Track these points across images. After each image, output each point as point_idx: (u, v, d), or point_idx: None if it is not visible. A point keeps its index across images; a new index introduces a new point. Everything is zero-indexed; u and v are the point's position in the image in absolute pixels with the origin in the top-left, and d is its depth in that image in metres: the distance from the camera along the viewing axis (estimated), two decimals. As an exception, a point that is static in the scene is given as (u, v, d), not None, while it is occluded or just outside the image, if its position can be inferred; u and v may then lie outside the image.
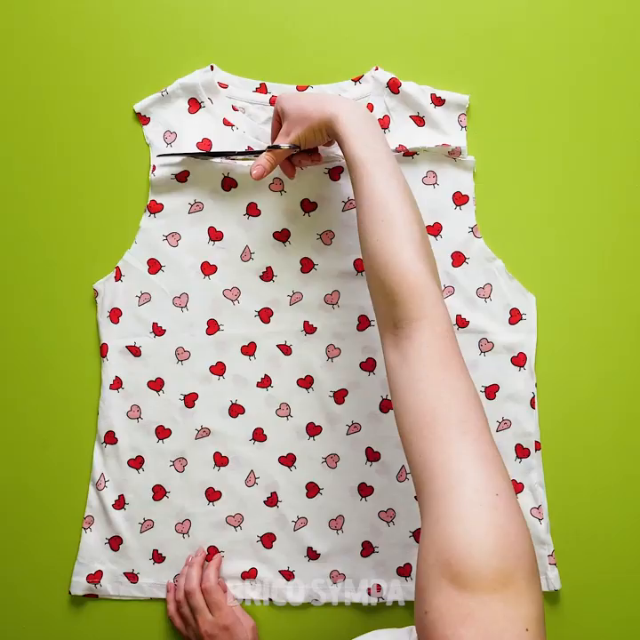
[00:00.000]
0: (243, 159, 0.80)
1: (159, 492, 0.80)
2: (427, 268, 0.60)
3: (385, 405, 0.80)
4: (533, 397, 0.80)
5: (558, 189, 0.82)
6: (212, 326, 0.81)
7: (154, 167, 0.82)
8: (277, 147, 0.74)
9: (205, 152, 0.80)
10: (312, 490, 0.80)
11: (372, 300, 0.64)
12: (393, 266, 0.60)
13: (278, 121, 0.76)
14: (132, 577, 0.80)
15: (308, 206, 0.82)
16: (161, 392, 0.81)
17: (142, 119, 0.82)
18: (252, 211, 0.82)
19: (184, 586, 0.77)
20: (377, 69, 0.81)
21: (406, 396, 0.56)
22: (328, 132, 0.71)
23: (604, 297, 0.81)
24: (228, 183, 0.82)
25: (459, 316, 0.80)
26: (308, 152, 0.77)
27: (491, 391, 0.80)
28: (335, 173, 0.81)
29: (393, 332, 0.60)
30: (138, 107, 0.82)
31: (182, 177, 0.82)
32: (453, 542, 0.46)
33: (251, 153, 0.79)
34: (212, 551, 0.80)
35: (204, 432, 0.81)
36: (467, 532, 0.46)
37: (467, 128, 0.81)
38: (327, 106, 0.69)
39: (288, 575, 0.80)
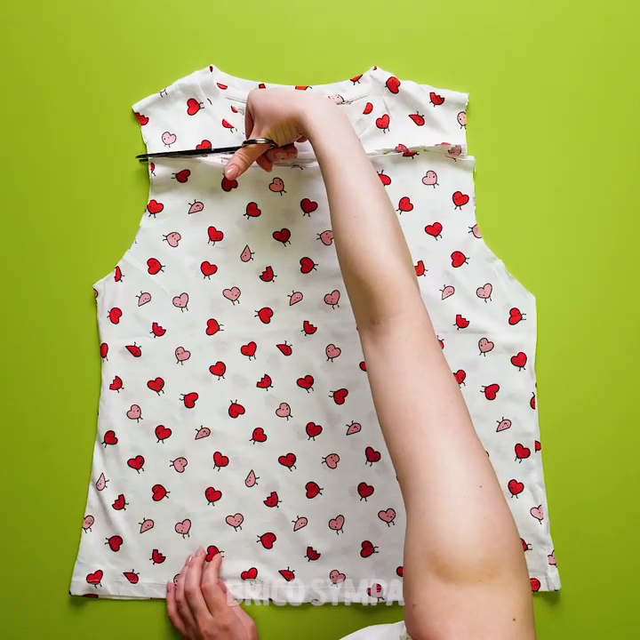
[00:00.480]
0: (224, 157, 0.80)
1: (159, 492, 0.80)
2: (401, 262, 0.60)
3: (385, 405, 0.80)
4: (533, 397, 0.80)
5: (558, 189, 0.82)
6: (212, 326, 0.81)
7: (153, 166, 0.81)
8: (253, 141, 0.74)
9: (185, 151, 0.80)
10: (312, 490, 0.80)
11: (348, 297, 0.64)
12: (367, 262, 0.60)
13: (251, 118, 0.76)
14: (132, 577, 0.80)
15: (308, 206, 0.82)
16: (161, 392, 0.81)
17: (141, 119, 0.82)
18: (252, 211, 0.82)
19: (184, 586, 0.77)
20: (376, 69, 0.81)
21: (387, 391, 0.56)
22: (297, 129, 0.71)
23: (604, 297, 0.81)
24: (228, 183, 0.82)
25: (459, 316, 0.80)
26: (284, 146, 0.77)
27: (491, 391, 0.80)
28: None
29: (370, 327, 0.60)
30: (137, 107, 0.82)
31: (182, 177, 0.82)
32: (439, 535, 0.46)
33: (228, 149, 0.79)
34: (212, 551, 0.80)
35: (204, 432, 0.81)
36: (452, 524, 0.46)
37: (466, 127, 0.81)
38: (295, 103, 0.69)
39: (288, 575, 0.80)
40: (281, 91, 0.78)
